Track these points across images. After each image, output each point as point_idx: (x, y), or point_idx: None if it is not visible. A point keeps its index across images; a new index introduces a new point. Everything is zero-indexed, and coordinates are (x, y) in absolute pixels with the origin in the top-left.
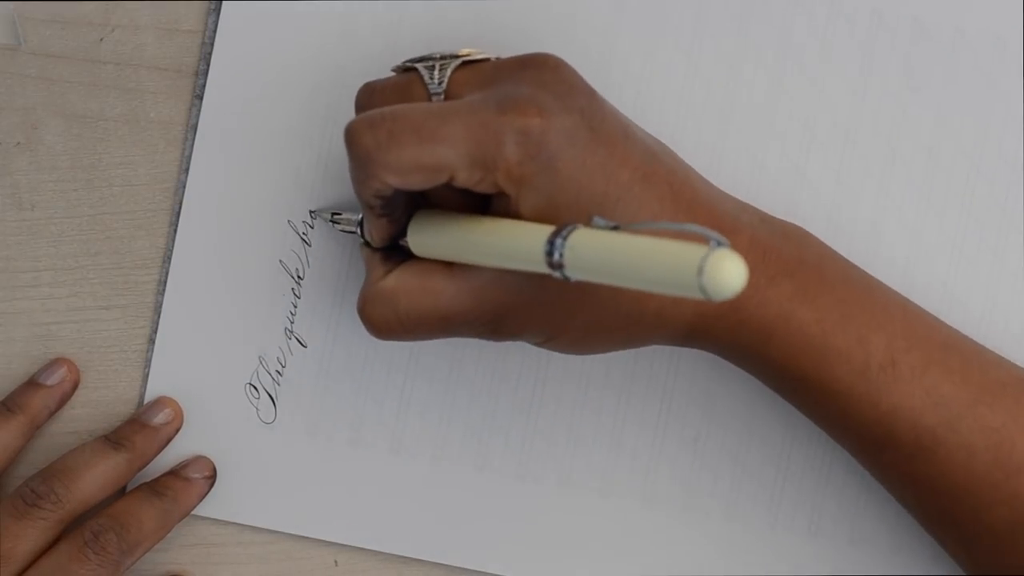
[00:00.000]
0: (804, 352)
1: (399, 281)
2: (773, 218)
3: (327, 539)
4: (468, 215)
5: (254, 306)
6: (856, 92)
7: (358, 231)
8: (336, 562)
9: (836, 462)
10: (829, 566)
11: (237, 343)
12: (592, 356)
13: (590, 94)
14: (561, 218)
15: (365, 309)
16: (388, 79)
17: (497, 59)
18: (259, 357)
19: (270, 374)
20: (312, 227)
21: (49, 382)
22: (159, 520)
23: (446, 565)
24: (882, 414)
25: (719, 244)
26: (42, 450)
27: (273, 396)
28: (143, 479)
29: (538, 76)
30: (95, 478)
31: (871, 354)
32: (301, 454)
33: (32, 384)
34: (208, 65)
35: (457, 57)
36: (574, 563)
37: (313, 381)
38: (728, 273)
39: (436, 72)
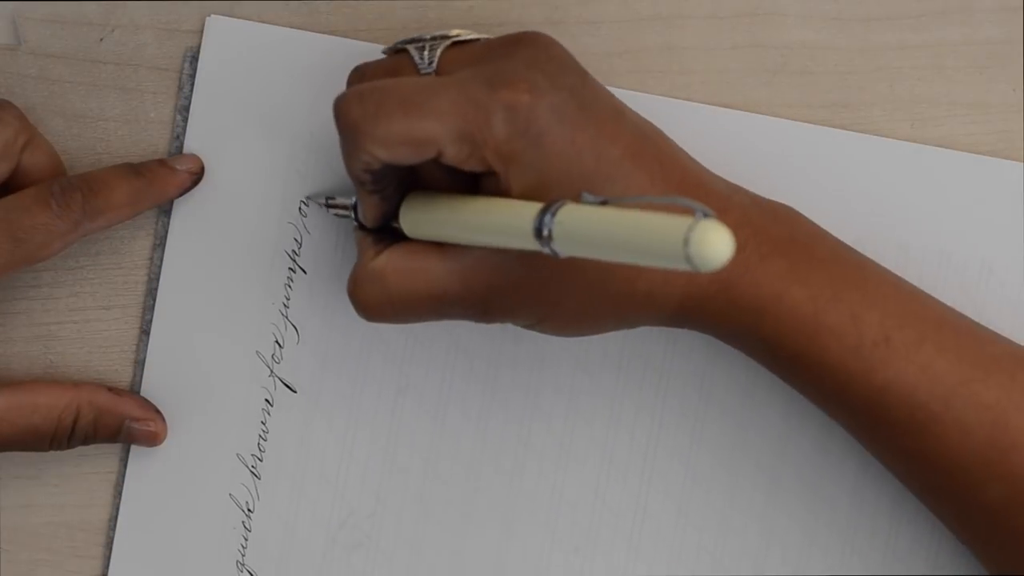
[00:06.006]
0: (797, 330)
1: (389, 261)
2: (763, 199)
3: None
4: (458, 195)
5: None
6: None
7: (352, 215)
8: None
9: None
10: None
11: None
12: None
13: (581, 73)
14: (550, 196)
15: (355, 290)
16: (379, 60)
17: (487, 39)
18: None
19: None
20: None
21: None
22: (130, 196)
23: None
24: (876, 390)
25: (705, 215)
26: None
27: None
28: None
29: (528, 54)
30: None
31: (864, 331)
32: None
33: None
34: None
35: (447, 38)
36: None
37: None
38: (714, 243)
39: (426, 52)
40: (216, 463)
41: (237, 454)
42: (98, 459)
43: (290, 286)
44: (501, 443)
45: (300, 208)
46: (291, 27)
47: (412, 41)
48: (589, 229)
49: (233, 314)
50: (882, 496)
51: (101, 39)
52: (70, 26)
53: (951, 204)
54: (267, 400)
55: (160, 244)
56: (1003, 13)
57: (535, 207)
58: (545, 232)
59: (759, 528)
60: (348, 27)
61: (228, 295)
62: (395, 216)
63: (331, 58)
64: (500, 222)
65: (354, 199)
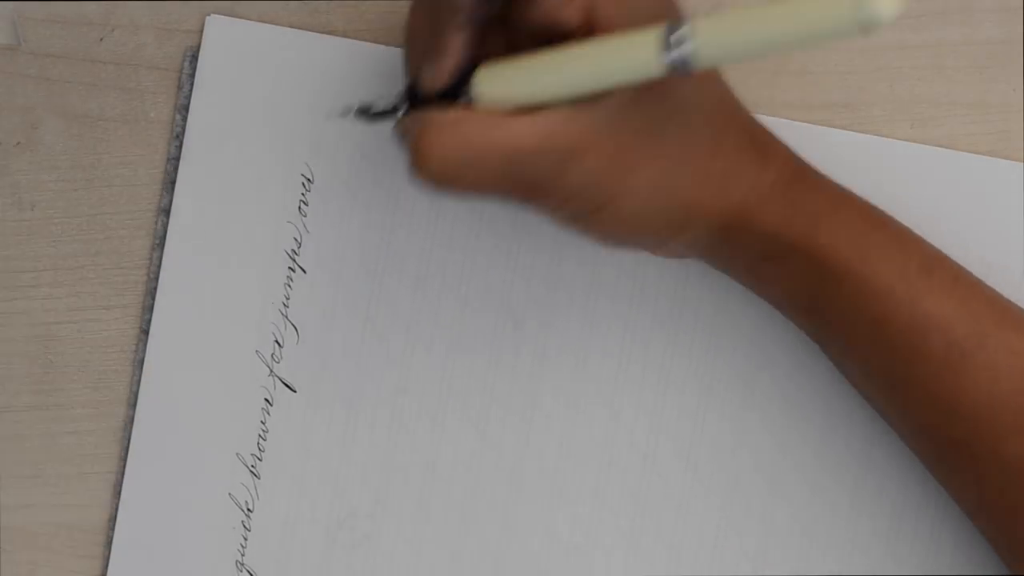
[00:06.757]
0: (851, 243)
1: (463, 112)
2: None
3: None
4: (549, 49)
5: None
6: None
7: (394, 110)
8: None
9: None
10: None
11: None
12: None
13: None
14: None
15: (423, 138)
16: None
17: None
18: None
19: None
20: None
21: None
22: None
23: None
24: (917, 319)
25: None
26: (42, 450)
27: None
28: None
29: None
30: None
31: (910, 256)
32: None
33: None
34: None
35: None
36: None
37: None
38: None
39: None
40: (216, 463)
41: (237, 454)
42: (98, 459)
43: (290, 286)
44: (501, 443)
45: (300, 207)
46: (291, 27)
47: None
48: (735, 26)
49: (233, 314)
50: (883, 496)
51: (101, 39)
52: (70, 26)
53: (951, 204)
54: (267, 400)
55: (160, 244)
56: (1003, 13)
57: (654, 29)
58: (675, 41)
59: (759, 527)
60: (348, 27)
61: (228, 295)
62: (460, 89)
63: (331, 58)
64: (614, 53)
65: (392, 102)
